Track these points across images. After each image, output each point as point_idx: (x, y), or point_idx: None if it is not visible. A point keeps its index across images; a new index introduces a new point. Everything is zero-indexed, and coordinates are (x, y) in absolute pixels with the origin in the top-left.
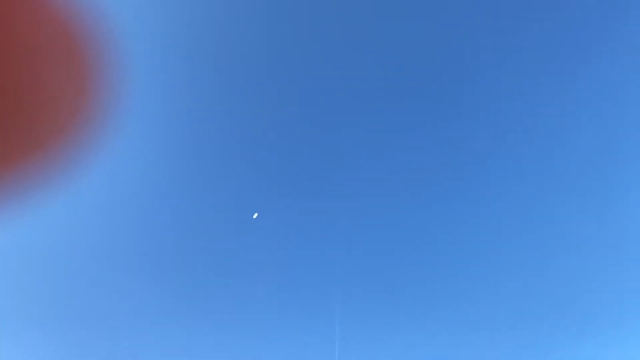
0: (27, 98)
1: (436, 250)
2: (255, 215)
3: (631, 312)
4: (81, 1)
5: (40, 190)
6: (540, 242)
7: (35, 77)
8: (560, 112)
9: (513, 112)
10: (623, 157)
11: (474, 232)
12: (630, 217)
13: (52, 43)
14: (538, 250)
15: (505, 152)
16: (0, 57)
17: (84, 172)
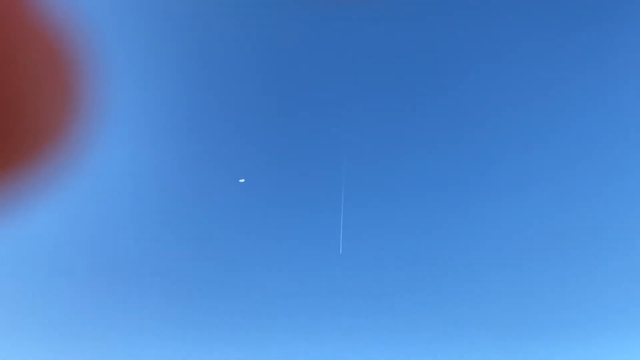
0: (13, 102)
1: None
2: (241, 180)
3: (631, 313)
4: (66, 6)
5: (32, 192)
6: (541, 242)
7: (21, 81)
8: (564, 113)
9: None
10: (625, 160)
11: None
12: (632, 218)
13: (38, 47)
14: (539, 251)
15: (506, 153)
16: None
17: (74, 174)
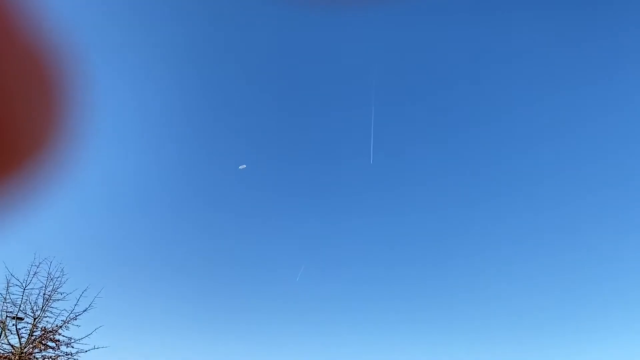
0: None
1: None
2: (242, 167)
3: (631, 313)
4: (51, 23)
5: (24, 194)
6: (543, 243)
7: (8, 87)
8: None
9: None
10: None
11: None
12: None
13: (26, 53)
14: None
15: (513, 154)
16: None
17: (64, 176)
